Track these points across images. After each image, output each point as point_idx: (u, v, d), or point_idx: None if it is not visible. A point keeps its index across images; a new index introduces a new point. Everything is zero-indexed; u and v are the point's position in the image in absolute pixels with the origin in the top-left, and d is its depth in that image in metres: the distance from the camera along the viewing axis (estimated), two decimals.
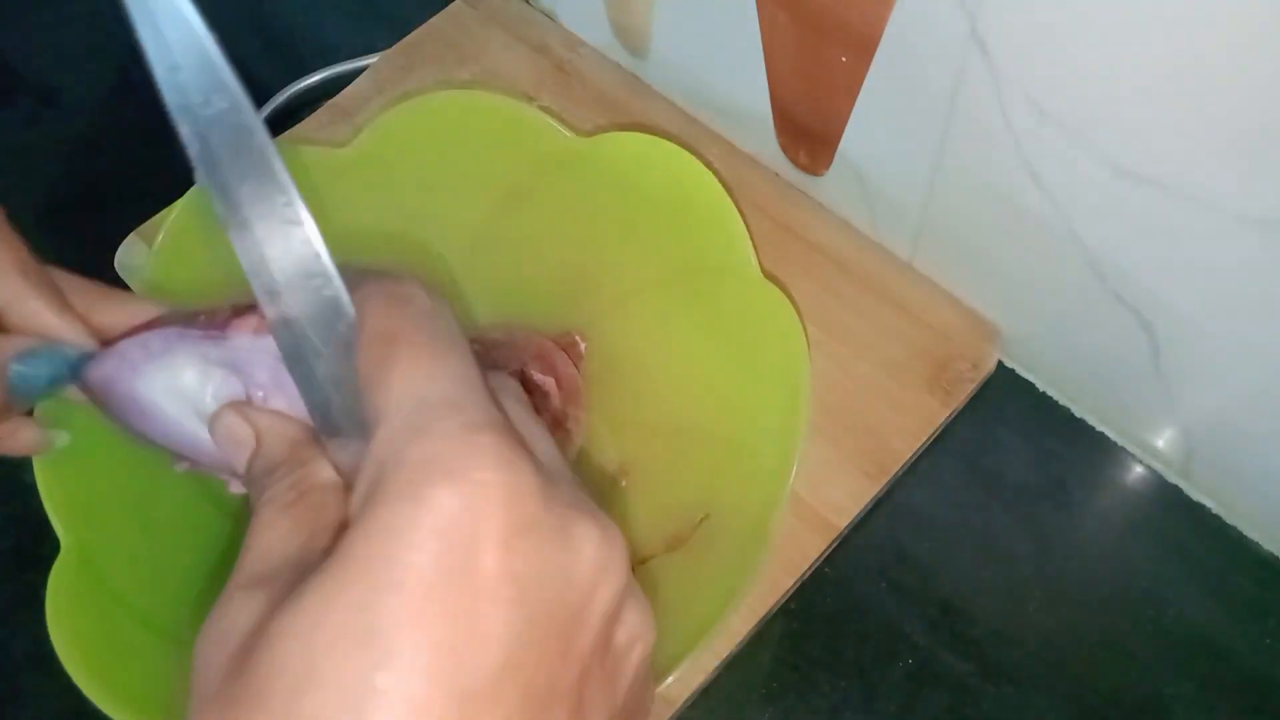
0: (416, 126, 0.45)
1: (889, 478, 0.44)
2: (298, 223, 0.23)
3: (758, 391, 0.41)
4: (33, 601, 0.36)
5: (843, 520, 0.43)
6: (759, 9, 0.43)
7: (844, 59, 0.41)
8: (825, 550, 0.43)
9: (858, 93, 0.42)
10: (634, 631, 0.21)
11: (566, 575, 0.19)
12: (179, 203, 0.43)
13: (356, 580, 0.18)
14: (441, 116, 0.45)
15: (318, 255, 0.23)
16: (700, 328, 0.43)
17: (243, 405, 0.27)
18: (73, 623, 0.36)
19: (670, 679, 0.36)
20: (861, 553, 0.44)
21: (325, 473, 0.24)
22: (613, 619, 0.21)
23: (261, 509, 0.23)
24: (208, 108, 0.25)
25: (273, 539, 0.22)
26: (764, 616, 0.42)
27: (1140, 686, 0.41)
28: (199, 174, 0.25)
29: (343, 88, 0.56)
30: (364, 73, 0.56)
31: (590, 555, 0.20)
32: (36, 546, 0.38)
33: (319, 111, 0.55)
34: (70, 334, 0.30)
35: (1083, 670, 0.41)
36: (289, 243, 0.23)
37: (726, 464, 0.41)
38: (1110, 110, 0.33)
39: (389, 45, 0.57)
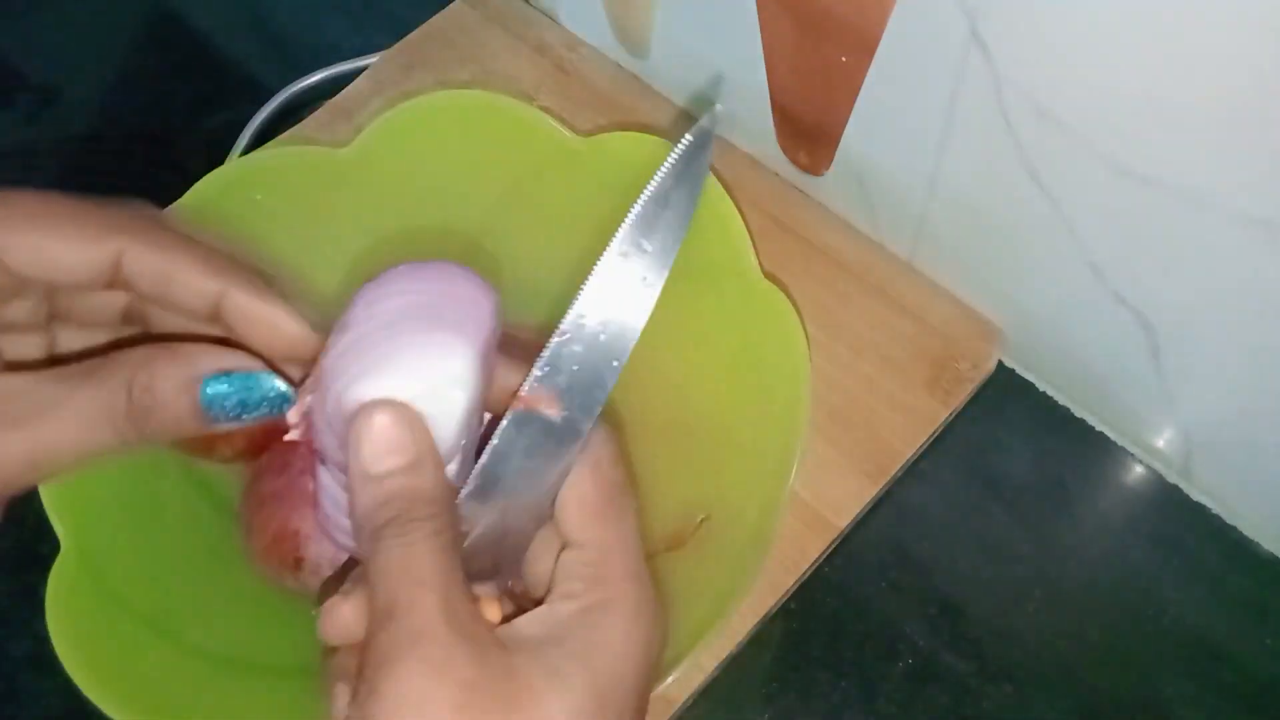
0: (417, 126, 0.45)
1: (889, 478, 0.44)
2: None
3: (758, 391, 0.41)
4: (33, 601, 0.36)
5: (843, 520, 0.43)
6: (759, 9, 0.43)
7: (844, 59, 0.41)
8: (825, 550, 0.43)
9: (858, 93, 0.42)
10: None
11: None
12: (179, 202, 0.43)
13: None
14: (442, 116, 0.45)
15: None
16: (700, 328, 0.43)
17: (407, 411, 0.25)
18: (72, 622, 0.36)
19: (670, 679, 0.36)
20: (861, 553, 0.44)
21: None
22: None
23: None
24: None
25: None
26: (764, 616, 0.42)
27: (1139, 686, 0.41)
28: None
29: (343, 88, 0.56)
30: (364, 73, 0.56)
31: None
32: (36, 546, 0.38)
33: (319, 111, 0.55)
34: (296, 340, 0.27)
35: (1082, 670, 0.41)
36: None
37: (726, 464, 0.41)
38: (1110, 110, 0.33)
39: (389, 45, 0.57)
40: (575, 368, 0.26)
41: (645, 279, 0.27)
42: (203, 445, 0.40)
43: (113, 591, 0.38)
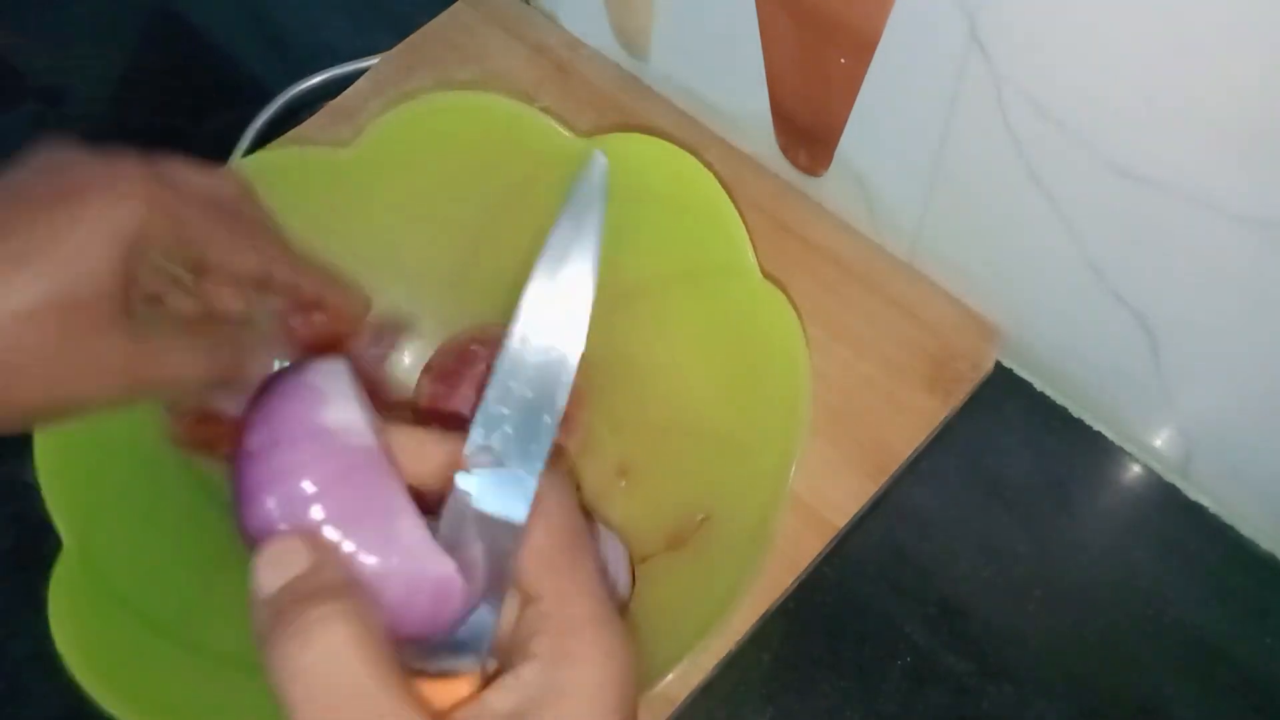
0: (417, 127, 0.45)
1: (888, 477, 0.44)
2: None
3: (758, 391, 0.41)
4: (34, 601, 0.36)
5: (842, 520, 0.43)
6: (759, 9, 0.43)
7: (844, 59, 0.41)
8: (825, 550, 0.43)
9: (857, 93, 0.42)
10: None
11: None
12: None
13: None
14: (442, 117, 0.45)
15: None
16: (700, 328, 0.43)
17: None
18: (74, 622, 0.36)
19: (670, 677, 0.36)
20: (861, 552, 0.44)
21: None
22: None
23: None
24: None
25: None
26: (764, 616, 0.42)
27: (1139, 685, 0.41)
28: None
29: (344, 89, 0.56)
30: (365, 74, 0.56)
31: None
32: (37, 546, 0.38)
33: (320, 113, 0.55)
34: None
35: (1081, 669, 0.41)
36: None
37: (726, 464, 0.41)
38: (1110, 110, 0.33)
39: (390, 46, 0.57)
40: (508, 428, 0.26)
41: (567, 326, 0.27)
42: (203, 444, 0.41)
43: (114, 591, 0.38)
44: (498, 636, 0.25)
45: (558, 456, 0.40)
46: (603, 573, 0.26)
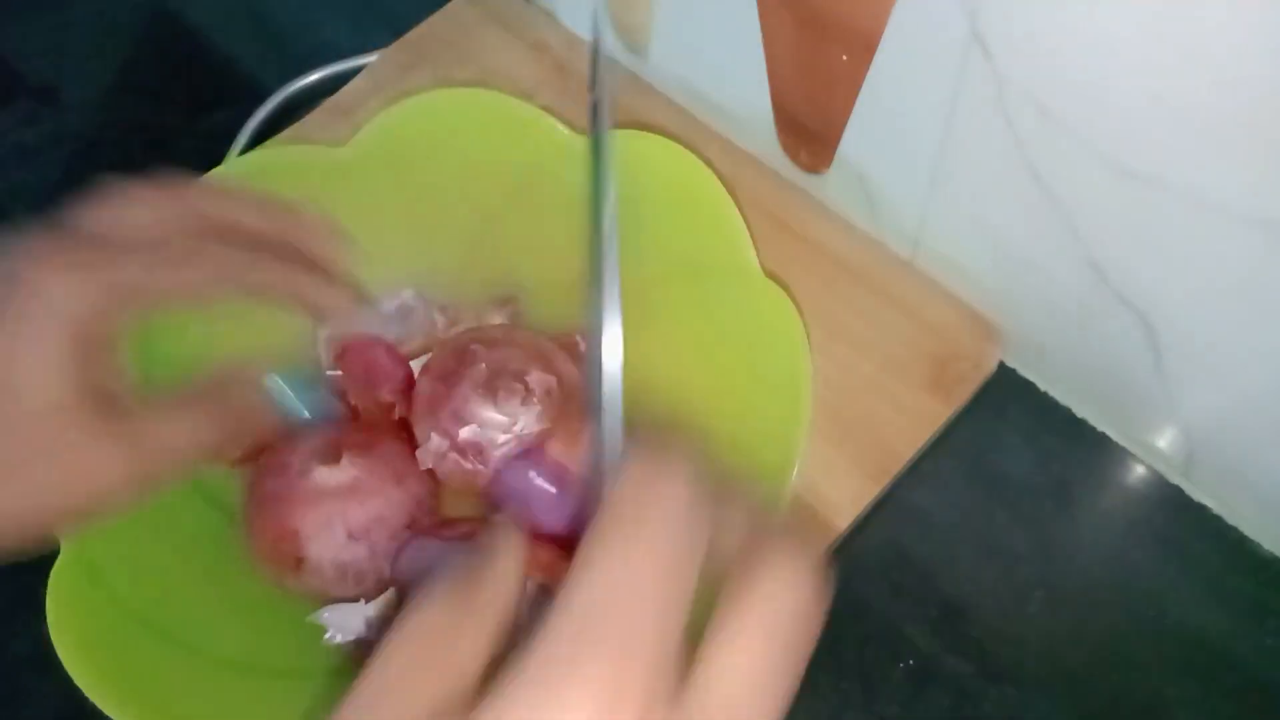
0: (416, 125, 0.45)
1: (890, 478, 0.44)
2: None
3: (758, 391, 0.41)
4: (33, 602, 0.36)
5: (843, 520, 0.43)
6: (760, 6, 0.43)
7: (844, 58, 0.41)
8: (825, 551, 0.43)
9: (858, 92, 0.42)
10: None
11: None
12: None
13: None
14: (441, 115, 0.45)
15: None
16: (700, 327, 0.43)
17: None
18: (73, 623, 0.36)
19: None
20: (862, 554, 0.44)
21: None
22: None
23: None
24: None
25: None
26: None
27: (1141, 687, 0.41)
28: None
29: (342, 86, 0.56)
30: (363, 71, 0.56)
31: None
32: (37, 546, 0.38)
33: (318, 110, 0.55)
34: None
35: (1083, 671, 0.41)
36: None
37: (726, 464, 0.41)
38: (1110, 110, 0.33)
39: (388, 44, 0.57)
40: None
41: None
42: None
43: (113, 592, 0.38)
44: None
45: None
46: None
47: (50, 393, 0.28)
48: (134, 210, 0.32)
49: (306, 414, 0.29)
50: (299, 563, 0.40)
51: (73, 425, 0.28)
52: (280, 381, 0.28)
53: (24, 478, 0.28)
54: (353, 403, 0.44)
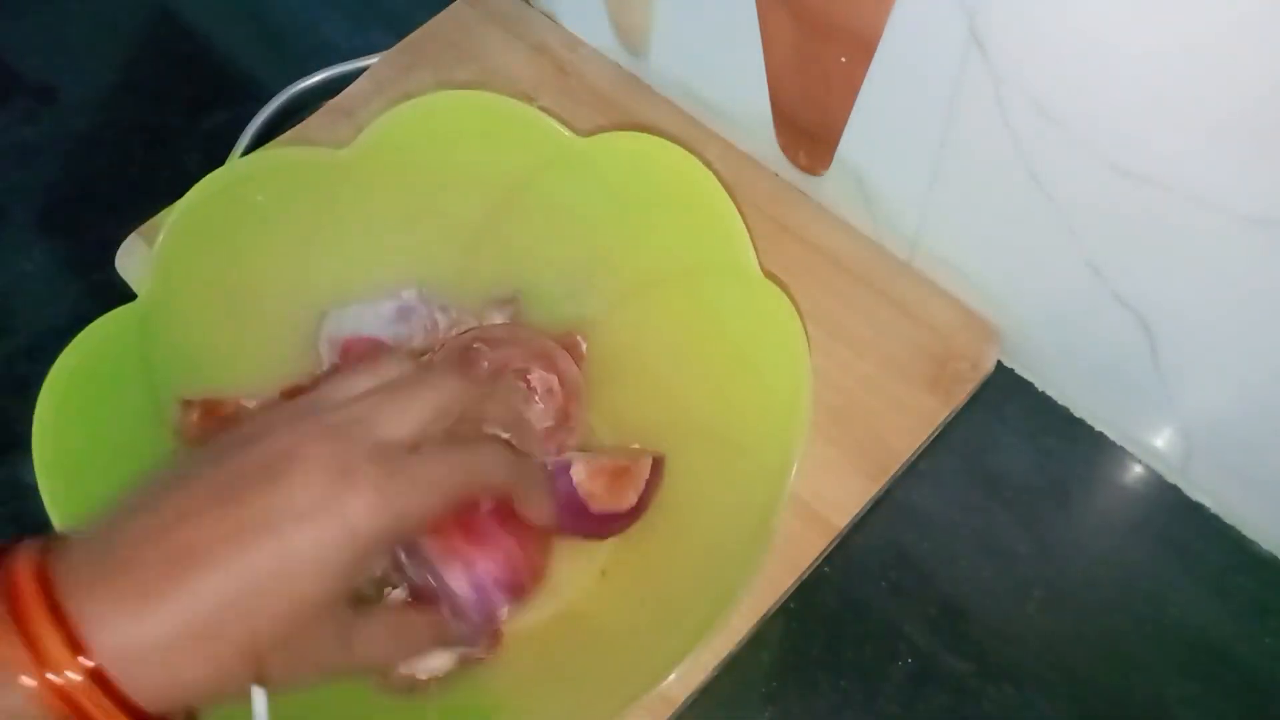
0: (417, 127, 0.45)
1: (889, 477, 0.44)
2: None
3: (758, 391, 0.41)
4: None
5: (843, 520, 0.43)
6: (759, 8, 0.43)
7: (844, 59, 0.41)
8: (825, 550, 0.43)
9: (857, 93, 0.42)
10: None
11: None
12: (179, 203, 0.43)
13: None
14: (442, 117, 0.45)
15: None
16: (700, 327, 0.43)
17: None
18: None
19: (670, 678, 0.36)
20: (861, 553, 0.44)
21: None
22: None
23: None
24: None
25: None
26: (764, 616, 0.42)
27: (1140, 686, 0.41)
28: None
29: (343, 88, 0.56)
30: (364, 73, 0.56)
31: None
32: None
33: (319, 112, 0.55)
34: None
35: (1082, 670, 0.42)
36: None
37: (726, 464, 0.41)
38: (1110, 110, 0.33)
39: (389, 45, 0.57)
40: None
41: None
42: (210, 437, 0.41)
43: None
44: None
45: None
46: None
47: (322, 597, 0.30)
48: (417, 409, 0.33)
49: None
50: None
51: (329, 619, 0.30)
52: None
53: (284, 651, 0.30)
54: None
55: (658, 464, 0.42)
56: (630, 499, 0.41)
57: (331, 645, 0.31)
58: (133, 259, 0.51)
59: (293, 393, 0.44)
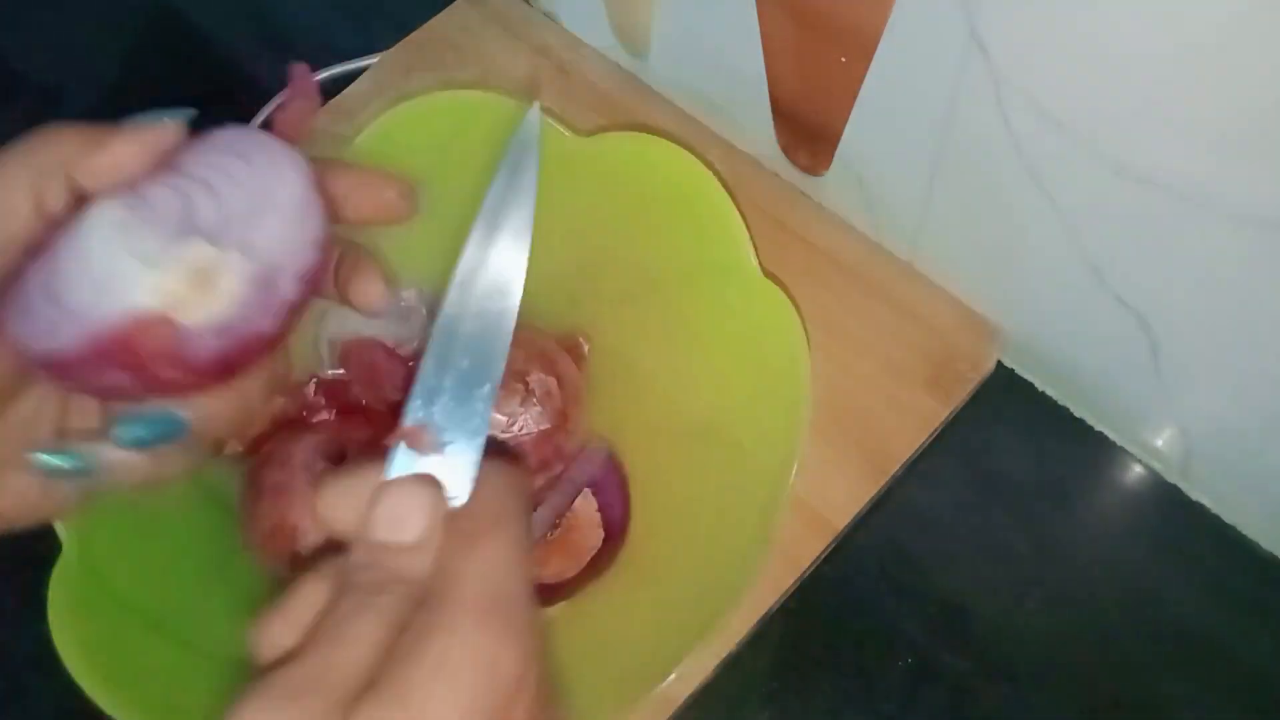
0: (417, 127, 0.45)
1: (888, 478, 0.44)
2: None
3: (758, 391, 0.41)
4: (33, 601, 0.36)
5: (842, 520, 0.43)
6: (759, 9, 0.43)
7: (844, 59, 0.41)
8: (825, 550, 0.43)
9: (858, 93, 0.42)
10: None
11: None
12: None
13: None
14: (442, 117, 0.45)
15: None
16: (700, 328, 0.43)
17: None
18: (74, 622, 0.36)
19: (670, 678, 0.36)
20: (861, 552, 0.44)
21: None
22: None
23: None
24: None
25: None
26: (764, 616, 0.42)
27: (1139, 685, 0.41)
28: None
29: (344, 88, 0.56)
30: (365, 73, 0.56)
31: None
32: (36, 546, 0.38)
33: (320, 111, 0.55)
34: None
35: (1081, 669, 0.42)
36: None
37: (726, 464, 0.41)
38: (1110, 110, 0.33)
39: (390, 45, 0.57)
40: (448, 399, 0.25)
41: (502, 292, 0.27)
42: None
43: (114, 591, 0.38)
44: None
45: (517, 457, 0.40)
46: (520, 570, 0.24)
47: None
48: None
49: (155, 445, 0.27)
50: (295, 558, 0.40)
51: None
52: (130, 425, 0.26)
53: None
54: (362, 401, 0.44)
55: (610, 538, 0.41)
56: (570, 569, 0.41)
57: None
58: None
59: (279, 424, 0.43)
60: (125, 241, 0.24)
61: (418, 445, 0.25)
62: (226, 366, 0.26)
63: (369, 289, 0.31)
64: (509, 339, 0.26)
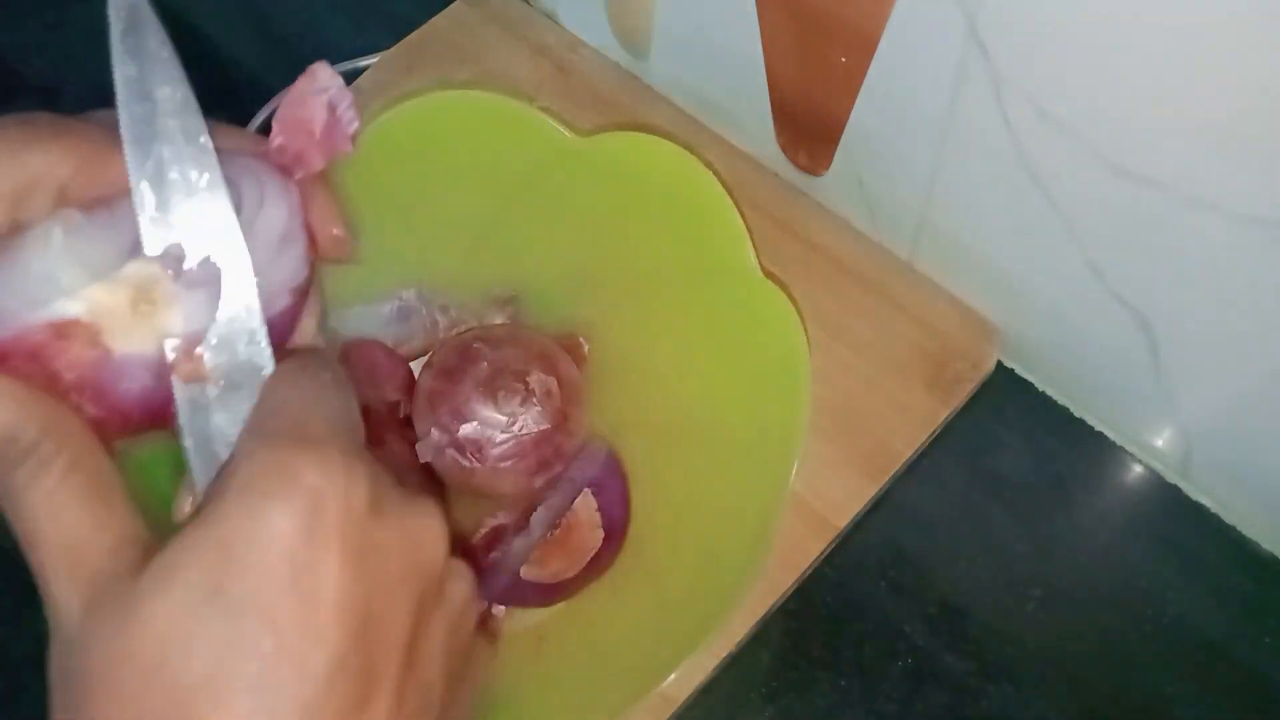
0: (417, 126, 0.45)
1: (888, 477, 0.44)
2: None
3: (758, 391, 0.41)
4: (33, 601, 0.36)
5: (842, 520, 0.43)
6: (759, 9, 0.43)
7: (844, 59, 0.41)
8: (825, 550, 0.43)
9: (858, 93, 0.42)
10: (462, 590, 0.25)
11: (396, 550, 0.23)
12: None
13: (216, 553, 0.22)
14: (442, 117, 0.45)
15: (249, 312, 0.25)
16: (700, 328, 0.43)
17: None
18: None
19: (670, 678, 0.36)
20: (861, 552, 0.44)
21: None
22: (440, 579, 0.24)
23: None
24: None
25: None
26: (764, 616, 0.42)
27: (1139, 685, 0.41)
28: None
29: None
30: (365, 73, 0.56)
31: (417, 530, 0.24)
32: None
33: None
34: None
35: (1081, 669, 0.42)
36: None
37: (726, 464, 0.41)
38: (1110, 110, 0.33)
39: (389, 45, 0.57)
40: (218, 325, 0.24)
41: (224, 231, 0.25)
42: None
43: None
44: None
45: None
46: (325, 402, 0.25)
47: None
48: None
49: None
50: None
51: None
52: None
53: None
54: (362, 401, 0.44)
55: (610, 538, 0.42)
56: (570, 569, 0.41)
57: None
58: None
59: None
60: (73, 247, 0.23)
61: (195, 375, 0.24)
62: (157, 413, 0.24)
63: (327, 232, 0.31)
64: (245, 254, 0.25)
